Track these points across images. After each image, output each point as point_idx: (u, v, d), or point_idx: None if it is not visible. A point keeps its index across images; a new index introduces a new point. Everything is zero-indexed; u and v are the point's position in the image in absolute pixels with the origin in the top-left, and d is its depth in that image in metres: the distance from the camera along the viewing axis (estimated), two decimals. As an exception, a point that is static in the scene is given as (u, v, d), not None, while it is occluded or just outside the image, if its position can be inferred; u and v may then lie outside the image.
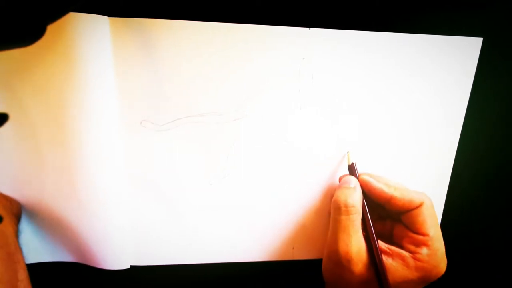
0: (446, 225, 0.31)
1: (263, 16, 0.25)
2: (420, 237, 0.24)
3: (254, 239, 0.30)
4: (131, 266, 0.29)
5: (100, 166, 0.25)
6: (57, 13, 0.16)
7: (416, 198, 0.24)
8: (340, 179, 0.28)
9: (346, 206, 0.24)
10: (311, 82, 0.26)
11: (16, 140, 0.25)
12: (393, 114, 0.28)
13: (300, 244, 0.30)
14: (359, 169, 0.27)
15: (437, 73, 0.27)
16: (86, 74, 0.23)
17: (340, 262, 0.23)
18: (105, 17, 0.23)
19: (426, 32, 0.26)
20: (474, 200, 0.32)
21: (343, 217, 0.24)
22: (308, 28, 0.25)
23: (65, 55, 0.23)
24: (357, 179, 0.26)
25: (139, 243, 0.29)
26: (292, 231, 0.30)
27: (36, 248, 0.28)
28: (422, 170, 0.30)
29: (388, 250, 0.24)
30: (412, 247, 0.24)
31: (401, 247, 0.24)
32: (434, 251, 0.24)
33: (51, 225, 0.27)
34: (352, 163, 0.27)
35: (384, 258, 0.24)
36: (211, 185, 0.28)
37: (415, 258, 0.23)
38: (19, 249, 0.23)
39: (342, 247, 0.23)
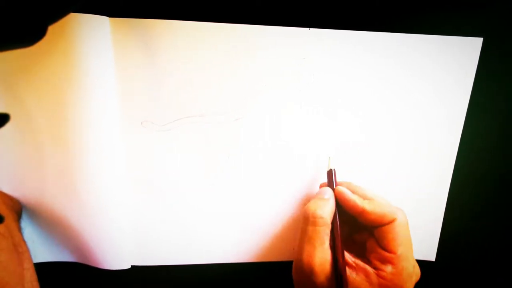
0: (447, 225, 0.31)
1: (263, 16, 0.25)
2: (387, 254, 0.23)
3: (254, 240, 0.30)
4: (131, 266, 0.29)
5: (100, 166, 0.25)
6: (58, 14, 0.16)
7: (389, 214, 0.24)
8: (320, 187, 0.28)
9: (314, 217, 0.24)
10: (311, 82, 0.26)
11: (17, 140, 0.25)
12: (393, 114, 0.28)
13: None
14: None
15: (437, 73, 0.27)
16: (87, 74, 0.23)
17: (304, 272, 0.23)
18: (106, 18, 0.23)
19: (426, 32, 0.26)
20: (475, 200, 0.32)
21: (310, 228, 0.24)
22: (308, 28, 0.25)
23: (66, 56, 0.23)
24: (333, 188, 0.26)
25: (139, 243, 0.29)
26: (292, 231, 0.30)
27: (37, 248, 0.28)
28: (422, 170, 0.29)
29: (353, 264, 0.24)
30: (378, 263, 0.24)
31: (369, 262, 0.24)
32: (399, 270, 0.23)
33: (51, 225, 0.27)
34: (331, 169, 0.27)
35: (349, 272, 0.24)
36: (212, 185, 0.28)
37: (378, 275, 0.23)
38: (23, 240, 0.23)
39: (306, 258, 0.23)
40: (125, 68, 0.24)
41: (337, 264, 0.23)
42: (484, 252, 0.34)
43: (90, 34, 0.23)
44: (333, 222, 0.25)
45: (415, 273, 0.24)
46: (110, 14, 0.23)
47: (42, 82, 0.24)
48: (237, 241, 0.29)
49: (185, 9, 0.24)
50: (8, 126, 0.16)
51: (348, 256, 0.24)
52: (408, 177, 0.30)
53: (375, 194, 0.26)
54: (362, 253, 0.25)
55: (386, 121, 0.28)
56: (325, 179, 0.28)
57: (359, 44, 0.26)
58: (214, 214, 0.29)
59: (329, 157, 0.28)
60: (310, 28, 0.25)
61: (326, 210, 0.24)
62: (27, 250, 0.23)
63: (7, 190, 0.26)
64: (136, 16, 0.23)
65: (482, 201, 0.32)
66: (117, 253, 0.28)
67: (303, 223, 0.25)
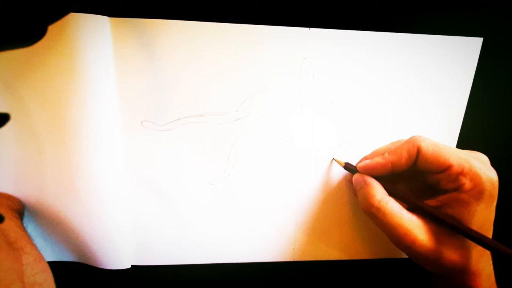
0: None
1: (263, 16, 0.25)
2: (447, 172, 0.22)
3: (254, 240, 0.30)
4: (132, 265, 0.29)
5: (101, 166, 0.25)
6: (58, 14, 0.16)
7: (411, 148, 0.23)
8: (347, 179, 0.27)
9: (372, 206, 0.23)
10: (311, 82, 0.26)
11: (17, 140, 0.25)
12: (393, 114, 0.28)
13: (300, 245, 0.30)
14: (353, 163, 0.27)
15: (437, 73, 0.27)
16: (87, 74, 0.23)
17: (416, 251, 0.22)
18: (106, 17, 0.23)
19: (426, 32, 0.26)
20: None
21: (380, 215, 0.22)
22: (308, 28, 0.25)
23: (66, 55, 0.23)
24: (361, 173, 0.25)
25: (139, 243, 0.29)
26: (292, 232, 0.30)
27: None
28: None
29: (438, 203, 0.23)
30: (452, 184, 0.22)
31: (446, 191, 0.23)
32: (470, 171, 0.21)
33: (52, 225, 0.27)
34: (346, 163, 0.27)
35: (443, 212, 0.22)
36: (212, 185, 0.28)
37: (464, 190, 0.21)
38: (23, 236, 0.23)
39: (407, 241, 0.22)
40: (125, 68, 0.24)
41: (430, 214, 0.22)
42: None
43: (90, 34, 0.23)
44: (389, 189, 0.24)
45: (482, 158, 0.23)
46: (110, 14, 0.23)
47: (42, 82, 0.24)
48: (237, 241, 0.29)
49: (185, 9, 0.24)
50: (8, 126, 0.16)
51: (429, 202, 0.23)
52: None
53: (388, 145, 0.25)
54: (434, 194, 0.24)
55: (386, 121, 0.28)
56: (325, 179, 0.28)
57: (359, 44, 0.26)
58: (214, 214, 0.29)
59: (333, 159, 0.28)
60: (310, 28, 0.25)
61: (373, 192, 0.23)
62: (27, 245, 0.23)
63: (7, 190, 0.26)
64: (136, 16, 0.23)
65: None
66: (117, 253, 0.28)
67: (373, 219, 0.23)
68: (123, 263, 0.29)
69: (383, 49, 0.26)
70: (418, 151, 0.23)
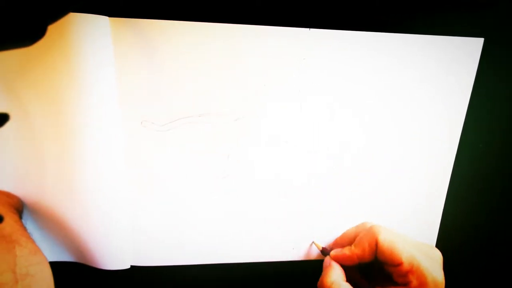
0: (445, 225, 0.31)
1: (263, 16, 0.25)
2: (399, 267, 0.24)
3: (254, 240, 0.30)
4: (131, 266, 0.29)
5: (100, 166, 0.25)
6: (57, 13, 0.16)
7: (371, 239, 0.25)
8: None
9: (324, 285, 0.25)
10: (311, 82, 0.26)
11: (17, 140, 0.25)
12: (393, 114, 0.28)
13: (299, 244, 0.30)
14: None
15: (438, 73, 0.27)
16: (86, 74, 0.23)
17: None
18: (106, 18, 0.23)
19: (427, 32, 0.26)
20: (474, 200, 0.32)
21: None
22: (308, 28, 0.25)
23: (65, 55, 0.23)
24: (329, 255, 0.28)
25: (139, 243, 0.29)
26: (291, 231, 0.30)
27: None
28: (422, 170, 0.29)
29: None
30: (402, 279, 0.24)
31: (397, 284, 0.24)
32: (417, 270, 0.23)
33: (51, 225, 0.27)
34: (323, 248, 0.29)
35: None
36: (211, 185, 0.28)
37: (410, 287, 0.23)
38: (18, 230, 0.23)
39: None
40: (125, 68, 0.24)
41: None
42: (484, 250, 0.34)
43: (90, 34, 0.23)
44: (352, 275, 0.27)
45: (434, 256, 0.25)
46: (110, 14, 0.23)
47: (42, 82, 0.24)
48: (237, 241, 0.29)
49: (185, 9, 0.24)
50: (8, 126, 0.16)
51: None
52: (407, 177, 0.29)
53: (352, 230, 0.29)
54: (394, 282, 0.25)
55: (386, 121, 0.28)
56: (325, 179, 0.28)
57: (359, 44, 0.26)
58: (213, 214, 0.29)
59: (313, 242, 0.30)
60: (310, 28, 0.25)
61: (331, 273, 0.25)
62: (22, 238, 0.23)
63: (7, 189, 0.26)
64: (136, 16, 0.23)
65: (482, 201, 0.32)
66: (116, 253, 0.28)
67: None
68: (123, 264, 0.29)
69: (383, 50, 0.26)
70: (376, 243, 0.25)
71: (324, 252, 0.29)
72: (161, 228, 0.28)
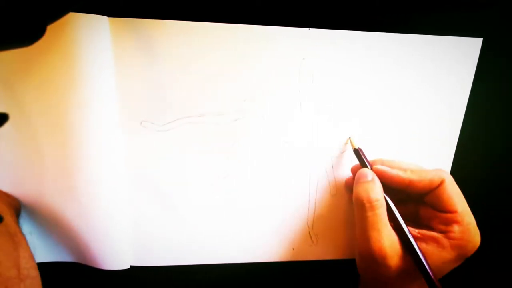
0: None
1: (263, 16, 0.25)
2: (449, 215, 0.23)
3: (254, 240, 0.30)
4: (131, 266, 0.29)
5: (100, 166, 0.25)
6: (57, 13, 0.16)
7: (435, 177, 0.23)
8: (352, 170, 0.27)
9: (369, 201, 0.23)
10: (311, 82, 0.26)
11: (16, 140, 0.25)
12: (393, 114, 0.28)
13: (300, 245, 0.30)
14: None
15: (437, 73, 0.27)
16: (86, 74, 0.23)
17: (375, 259, 0.23)
18: (105, 17, 0.23)
19: (426, 32, 0.26)
20: (473, 200, 0.32)
21: (369, 214, 0.23)
22: (308, 28, 0.25)
23: (65, 55, 0.23)
24: (370, 168, 0.25)
25: (139, 243, 0.29)
26: (292, 232, 0.30)
27: (36, 248, 0.28)
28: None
29: (419, 235, 0.23)
30: (443, 227, 0.23)
31: (431, 228, 0.24)
32: (466, 226, 0.23)
33: (50, 225, 0.27)
34: (358, 148, 0.26)
35: (418, 244, 0.23)
36: (211, 185, 0.28)
37: (448, 238, 0.23)
38: (19, 232, 0.24)
39: (375, 244, 0.23)
40: (124, 68, 0.24)
41: (408, 240, 0.23)
42: (483, 249, 0.34)
43: (90, 34, 0.23)
44: (386, 200, 0.24)
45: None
46: (109, 14, 0.23)
47: (41, 82, 0.23)
48: (236, 241, 0.29)
49: (185, 9, 0.24)
50: (7, 126, 0.16)
51: (410, 230, 0.24)
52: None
53: (409, 163, 0.25)
54: (416, 223, 0.25)
55: (386, 121, 0.28)
56: (325, 180, 0.28)
57: (359, 44, 0.26)
58: (213, 214, 0.29)
59: (350, 137, 0.27)
60: (310, 28, 0.25)
61: (377, 191, 0.23)
62: (22, 239, 0.23)
63: (6, 190, 0.26)
64: (136, 16, 0.23)
65: (481, 200, 0.32)
66: (116, 253, 0.28)
67: (359, 211, 0.24)
68: (122, 264, 0.29)
69: (383, 50, 0.26)
70: (440, 184, 0.23)
71: (359, 157, 0.26)
72: (161, 228, 0.28)
